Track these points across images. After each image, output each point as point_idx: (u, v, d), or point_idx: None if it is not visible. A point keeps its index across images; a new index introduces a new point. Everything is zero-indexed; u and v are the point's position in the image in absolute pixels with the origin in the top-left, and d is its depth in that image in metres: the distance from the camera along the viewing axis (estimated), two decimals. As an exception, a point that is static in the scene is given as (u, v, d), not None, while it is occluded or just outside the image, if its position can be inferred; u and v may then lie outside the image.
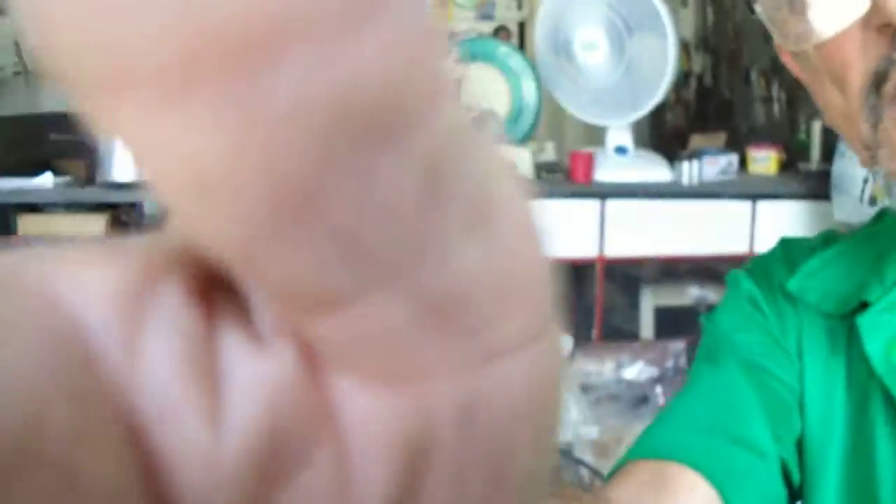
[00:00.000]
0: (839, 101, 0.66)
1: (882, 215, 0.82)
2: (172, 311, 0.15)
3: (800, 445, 0.79)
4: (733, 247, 2.57)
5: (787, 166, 2.87)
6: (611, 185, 2.54)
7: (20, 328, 0.14)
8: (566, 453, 1.77)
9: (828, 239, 0.86)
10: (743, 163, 2.94)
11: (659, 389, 1.68)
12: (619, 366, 2.21)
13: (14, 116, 3.63)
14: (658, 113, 3.02)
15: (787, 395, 0.79)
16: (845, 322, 0.77)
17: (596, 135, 2.68)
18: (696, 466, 0.72)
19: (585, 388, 2.13)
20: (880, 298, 0.75)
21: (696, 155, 2.72)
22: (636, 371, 1.92)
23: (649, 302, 2.80)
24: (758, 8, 0.67)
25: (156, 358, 0.14)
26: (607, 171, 2.54)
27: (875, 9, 0.59)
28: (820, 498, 0.77)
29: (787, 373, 0.80)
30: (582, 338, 2.57)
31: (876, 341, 0.73)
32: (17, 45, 3.75)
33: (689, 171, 2.63)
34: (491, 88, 2.90)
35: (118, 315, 0.15)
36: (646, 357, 2.22)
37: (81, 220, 2.94)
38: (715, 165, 2.74)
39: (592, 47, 2.55)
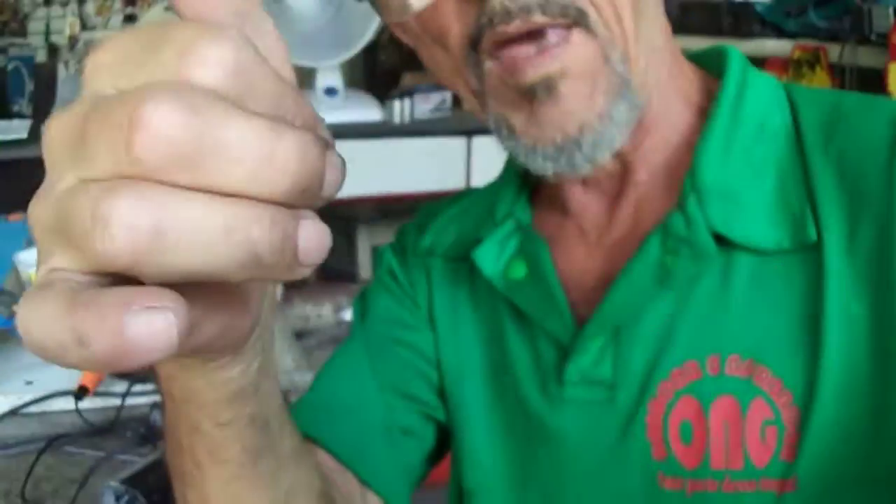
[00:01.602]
0: (446, 60, 0.74)
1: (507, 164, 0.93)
2: None
3: (443, 390, 0.91)
4: (449, 183, 2.58)
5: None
6: (321, 126, 2.52)
7: None
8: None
9: (460, 195, 0.99)
10: (458, 100, 2.97)
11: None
12: (339, 308, 2.22)
13: None
14: (372, 53, 3.03)
15: (416, 358, 0.91)
16: (467, 262, 0.88)
17: (305, 77, 2.66)
18: (321, 440, 0.84)
19: (304, 334, 2.12)
20: (491, 233, 0.86)
21: (408, 93, 2.74)
22: (355, 311, 1.96)
23: (366, 242, 2.80)
24: None
25: None
26: (317, 112, 2.53)
27: None
28: (468, 417, 0.88)
29: (419, 334, 0.92)
30: (298, 281, 2.53)
31: (492, 268, 0.85)
32: None
33: (401, 110, 2.65)
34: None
35: None
36: (365, 297, 2.23)
37: None
38: (427, 103, 2.77)
39: (300, -11, 2.52)
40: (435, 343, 0.91)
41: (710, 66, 0.82)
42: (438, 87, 2.94)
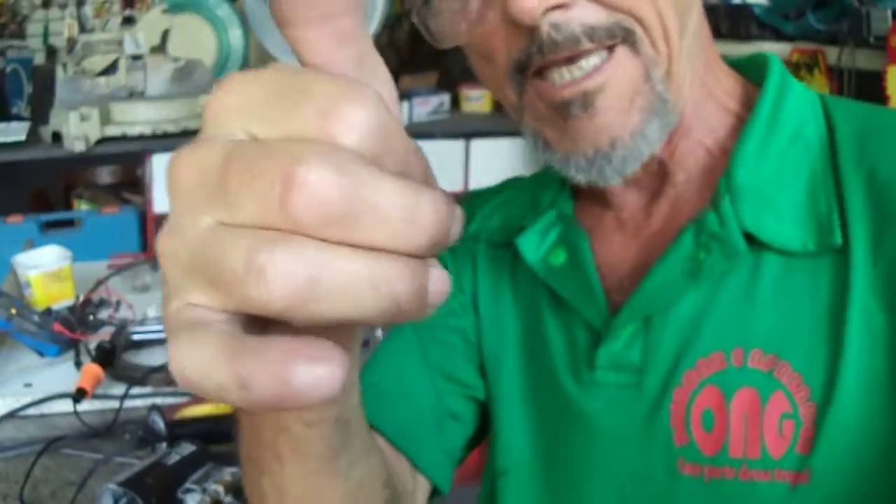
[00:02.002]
0: (490, 71, 0.78)
1: None
2: None
3: (483, 368, 0.95)
4: (448, 185, 2.58)
5: (501, 104, 2.91)
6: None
7: None
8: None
9: (505, 184, 1.03)
10: (457, 103, 2.99)
11: (379, 333, 1.70)
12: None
13: None
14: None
15: (462, 342, 0.95)
16: (510, 248, 0.93)
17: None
18: (378, 426, 0.87)
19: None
20: (534, 222, 0.91)
21: (406, 96, 2.75)
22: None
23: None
24: (414, 17, 0.77)
25: None
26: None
27: (508, 13, 0.70)
28: (503, 398, 0.92)
29: (464, 318, 0.95)
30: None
31: (534, 254, 0.89)
32: None
33: (399, 112, 2.65)
34: (197, 38, 2.85)
35: None
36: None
37: None
38: (426, 105, 2.78)
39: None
40: (477, 326, 0.95)
41: (751, 74, 0.85)
42: (436, 90, 2.95)
